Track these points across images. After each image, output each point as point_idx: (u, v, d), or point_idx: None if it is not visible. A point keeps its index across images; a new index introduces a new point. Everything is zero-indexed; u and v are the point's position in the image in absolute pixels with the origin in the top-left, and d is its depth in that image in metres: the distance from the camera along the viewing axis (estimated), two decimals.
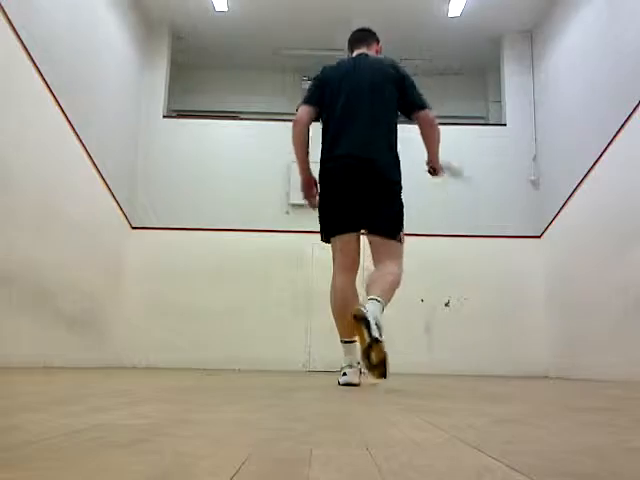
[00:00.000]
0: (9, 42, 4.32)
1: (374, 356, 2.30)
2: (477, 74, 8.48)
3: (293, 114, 3.08)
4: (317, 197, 3.04)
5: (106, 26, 6.25)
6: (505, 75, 7.55)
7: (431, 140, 3.01)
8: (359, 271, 2.96)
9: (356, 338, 2.56)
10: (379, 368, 2.31)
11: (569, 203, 6.24)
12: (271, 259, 6.75)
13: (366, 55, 3.10)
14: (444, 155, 3.10)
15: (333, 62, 3.17)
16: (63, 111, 5.11)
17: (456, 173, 3.18)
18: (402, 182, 2.95)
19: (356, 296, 2.86)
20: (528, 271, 6.82)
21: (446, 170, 3.14)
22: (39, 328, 4.71)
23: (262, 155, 7.11)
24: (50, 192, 4.91)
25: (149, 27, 7.40)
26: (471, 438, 0.95)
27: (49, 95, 4.89)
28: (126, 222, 6.75)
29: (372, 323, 2.32)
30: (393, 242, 2.85)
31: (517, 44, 7.55)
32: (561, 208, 6.40)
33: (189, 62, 8.13)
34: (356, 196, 2.83)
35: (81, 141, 5.48)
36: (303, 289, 6.61)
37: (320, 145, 3.01)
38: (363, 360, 2.37)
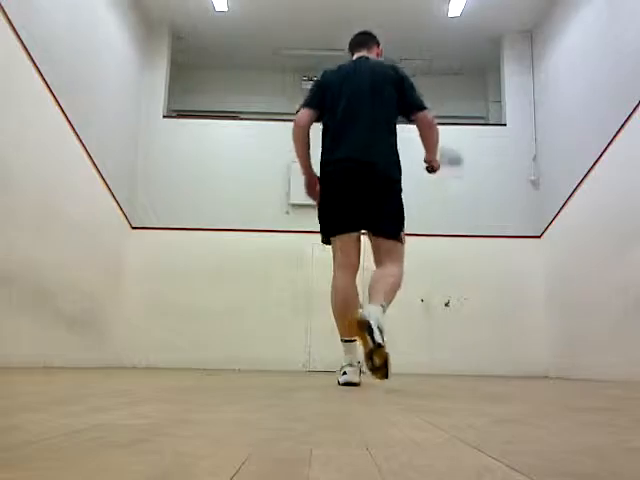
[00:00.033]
0: (9, 42, 4.32)
1: (377, 359, 2.34)
2: (477, 74, 8.48)
3: (293, 114, 3.09)
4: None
5: (106, 26, 6.25)
6: (505, 75, 7.55)
7: (430, 141, 3.05)
8: (359, 271, 2.97)
9: (356, 337, 2.59)
10: (381, 370, 2.35)
11: (569, 203, 6.24)
12: (271, 259, 6.75)
13: (366, 58, 3.13)
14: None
15: (333, 62, 3.19)
16: (63, 111, 5.11)
17: (454, 161, 3.24)
18: (402, 182, 2.96)
19: (356, 295, 2.88)
20: (528, 271, 6.82)
21: (445, 156, 3.17)
22: (39, 328, 4.71)
23: (262, 155, 7.11)
24: (50, 192, 4.91)
25: (149, 27, 7.40)
26: (471, 438, 0.95)
27: (49, 95, 4.89)
28: (126, 222, 6.76)
29: (375, 328, 2.35)
30: (394, 242, 2.87)
31: (517, 44, 7.55)
32: (561, 208, 6.40)
33: (189, 62, 8.13)
34: (356, 198, 2.85)
35: (81, 141, 5.48)
36: (303, 289, 6.61)
37: (320, 146, 3.02)
38: (366, 362, 2.40)
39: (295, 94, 8.03)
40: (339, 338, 2.88)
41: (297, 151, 3.04)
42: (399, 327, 5.38)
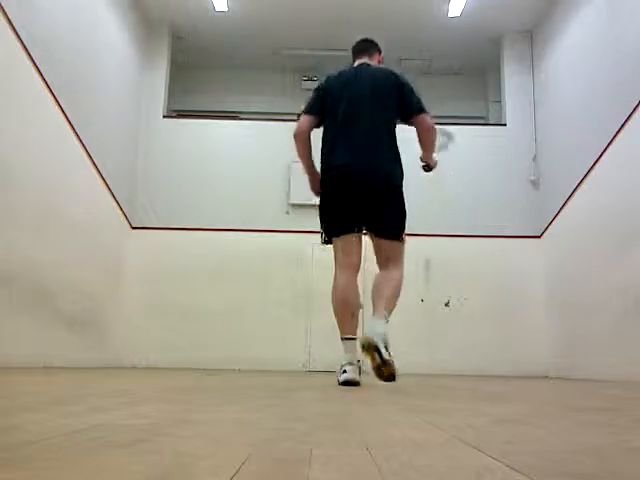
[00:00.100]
0: (9, 42, 4.32)
1: (384, 371, 2.52)
2: (477, 74, 8.48)
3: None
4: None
5: (106, 26, 6.25)
6: (505, 75, 7.55)
7: (428, 144, 3.12)
8: (359, 271, 2.99)
9: (356, 336, 2.75)
10: (389, 379, 2.54)
11: (569, 203, 6.24)
12: (271, 259, 6.75)
13: (368, 65, 3.18)
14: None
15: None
16: (63, 111, 5.11)
17: (446, 142, 3.39)
18: (403, 182, 2.99)
19: (357, 295, 2.92)
20: (528, 271, 6.82)
21: (442, 137, 3.30)
22: (39, 328, 4.71)
23: (262, 155, 7.11)
24: (50, 192, 4.91)
25: (149, 27, 7.40)
26: (471, 438, 0.95)
27: (49, 95, 4.89)
28: (126, 222, 6.75)
29: (382, 348, 2.50)
30: (396, 243, 2.94)
31: (517, 44, 7.55)
32: (561, 208, 6.40)
33: (189, 62, 8.13)
34: (358, 202, 2.89)
35: (81, 141, 5.48)
36: (303, 289, 6.61)
37: (320, 147, 3.05)
38: (375, 374, 2.56)
39: (295, 94, 8.04)
40: (339, 337, 2.89)
41: (299, 153, 3.12)
42: (399, 327, 5.37)
